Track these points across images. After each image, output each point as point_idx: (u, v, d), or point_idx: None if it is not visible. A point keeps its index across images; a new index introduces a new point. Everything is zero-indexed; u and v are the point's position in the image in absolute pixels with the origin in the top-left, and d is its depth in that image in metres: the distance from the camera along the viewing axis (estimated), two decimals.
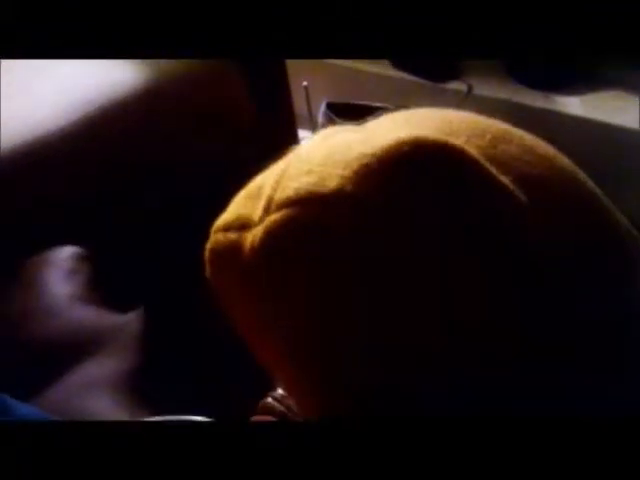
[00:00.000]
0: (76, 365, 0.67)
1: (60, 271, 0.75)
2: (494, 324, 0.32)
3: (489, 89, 1.30)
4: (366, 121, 0.41)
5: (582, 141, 1.19)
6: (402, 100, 1.30)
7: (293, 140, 1.17)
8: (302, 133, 1.25)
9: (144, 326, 0.72)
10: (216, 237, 0.38)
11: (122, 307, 0.74)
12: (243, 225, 0.36)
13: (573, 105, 1.25)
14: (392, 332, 0.32)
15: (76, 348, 0.68)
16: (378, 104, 1.24)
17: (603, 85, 1.26)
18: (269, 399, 0.48)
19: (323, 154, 0.35)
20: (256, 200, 0.36)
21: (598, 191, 0.39)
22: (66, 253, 0.77)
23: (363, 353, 0.33)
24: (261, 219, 0.35)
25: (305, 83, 1.16)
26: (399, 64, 1.39)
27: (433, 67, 1.37)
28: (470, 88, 1.29)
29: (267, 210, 0.35)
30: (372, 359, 0.33)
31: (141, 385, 0.68)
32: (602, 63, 1.28)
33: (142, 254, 0.83)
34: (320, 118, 1.25)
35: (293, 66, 1.27)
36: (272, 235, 0.34)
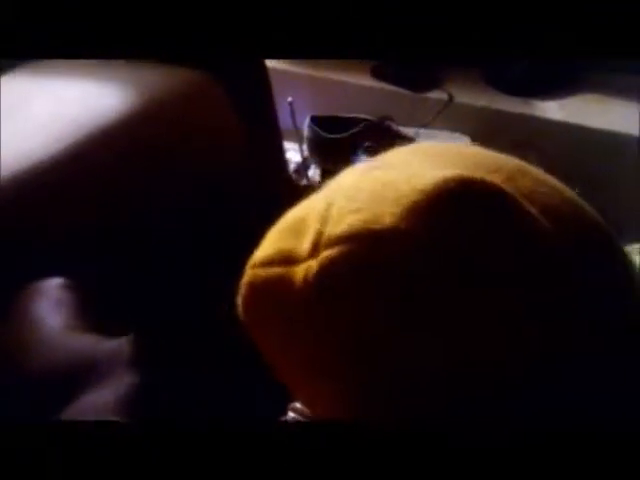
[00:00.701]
0: (75, 396, 0.67)
1: (50, 302, 0.75)
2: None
3: (469, 97, 1.32)
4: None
5: (562, 145, 1.22)
6: (384, 110, 1.32)
7: (279, 154, 1.18)
8: (288, 145, 1.27)
9: (138, 350, 0.72)
10: (255, 272, 0.38)
11: (114, 333, 0.74)
12: (288, 260, 0.37)
13: (552, 109, 1.28)
14: (450, 363, 0.34)
15: (74, 378, 0.68)
16: (361, 116, 1.26)
17: (581, 89, 1.29)
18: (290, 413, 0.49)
19: (369, 192, 0.37)
20: (299, 235, 0.37)
21: (596, 213, 0.42)
22: (54, 283, 0.76)
23: (412, 386, 0.34)
24: (311, 254, 0.36)
25: (290, 99, 1.18)
26: (379, 74, 1.41)
27: (413, 77, 1.40)
28: (450, 97, 1.31)
29: (317, 245, 0.36)
30: (419, 389, 0.34)
31: (141, 409, 0.68)
32: (580, 66, 1.31)
33: (132, 279, 0.83)
34: (305, 132, 1.27)
35: (277, 81, 1.28)
36: (328, 270, 0.35)
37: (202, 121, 1.02)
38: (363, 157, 1.17)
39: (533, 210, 0.36)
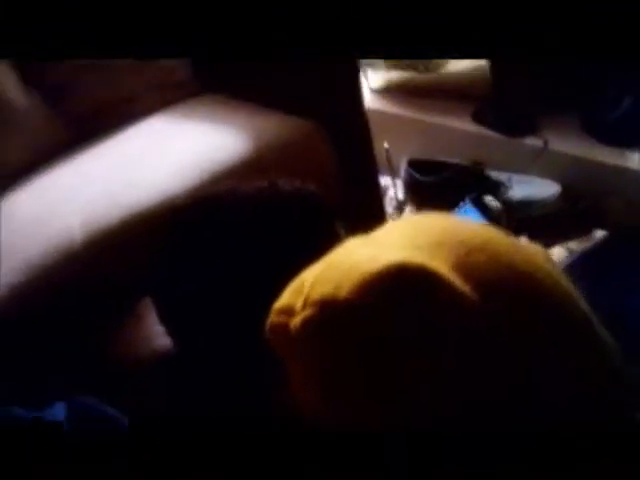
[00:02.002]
0: None
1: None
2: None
3: (564, 144, 1.34)
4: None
5: None
6: (480, 155, 1.38)
7: (376, 195, 1.27)
8: (384, 180, 1.35)
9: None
10: (272, 316, 0.53)
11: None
12: (289, 312, 0.51)
13: None
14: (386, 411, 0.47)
15: None
16: (455, 161, 1.33)
17: None
18: None
19: (345, 266, 0.49)
20: (299, 294, 0.51)
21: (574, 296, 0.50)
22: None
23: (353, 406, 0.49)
24: (299, 311, 0.50)
25: (386, 145, 1.26)
26: (479, 119, 1.47)
27: (512, 122, 1.44)
28: (546, 143, 1.34)
29: (304, 305, 0.50)
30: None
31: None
32: None
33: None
34: (402, 174, 1.35)
35: (375, 123, 1.37)
36: (304, 326, 0.49)
37: (306, 164, 1.13)
38: (469, 207, 1.23)
39: (465, 287, 0.46)
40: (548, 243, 1.23)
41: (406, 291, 0.46)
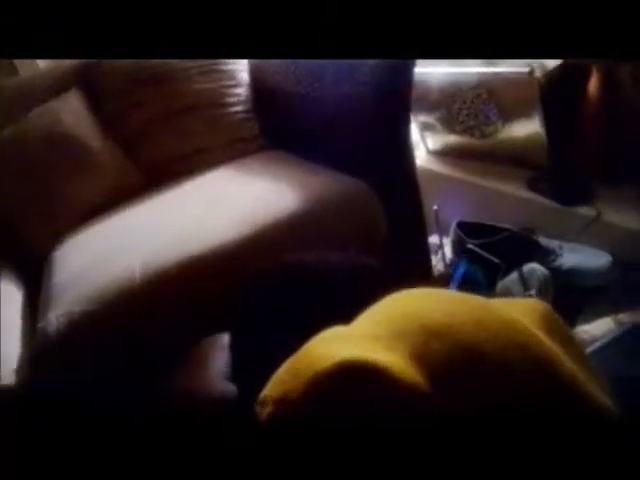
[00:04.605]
0: None
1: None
2: None
3: (617, 216, 1.34)
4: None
5: None
6: (531, 222, 1.39)
7: (424, 257, 1.30)
8: (432, 239, 1.37)
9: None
10: (256, 404, 0.58)
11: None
12: (262, 405, 0.56)
13: None
14: None
15: None
16: (505, 226, 1.35)
17: None
18: None
19: (303, 364, 0.55)
20: (270, 388, 0.57)
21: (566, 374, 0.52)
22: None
23: None
24: (265, 406, 0.56)
25: (435, 207, 1.30)
26: (534, 186, 1.48)
27: (566, 191, 1.44)
28: (598, 215, 1.34)
29: (267, 401, 0.55)
30: None
31: None
32: None
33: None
34: (451, 235, 1.38)
35: (430, 183, 1.40)
36: (264, 422, 0.54)
37: (356, 222, 1.17)
38: (464, 263, 1.23)
39: (418, 377, 0.50)
40: (597, 314, 1.22)
41: (350, 388, 0.51)
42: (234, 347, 0.86)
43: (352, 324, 0.58)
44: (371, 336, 0.53)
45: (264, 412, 0.55)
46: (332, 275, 0.82)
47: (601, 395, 0.50)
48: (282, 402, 0.54)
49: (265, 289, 0.84)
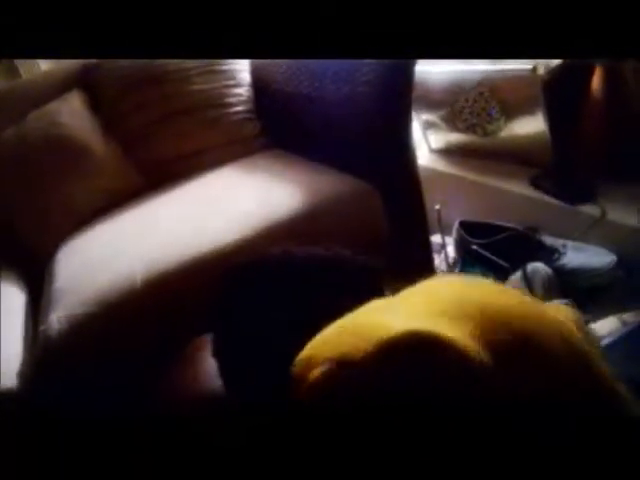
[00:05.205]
0: None
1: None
2: None
3: (621, 214, 1.32)
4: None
5: None
6: (535, 220, 1.38)
7: (426, 255, 1.29)
8: (435, 238, 1.37)
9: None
10: (295, 366, 0.58)
11: None
12: (310, 364, 0.56)
13: None
14: None
15: None
16: (509, 224, 1.34)
17: None
18: None
19: (364, 329, 0.55)
20: (319, 349, 0.57)
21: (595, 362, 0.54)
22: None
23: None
24: (318, 365, 0.55)
25: (437, 206, 1.29)
26: (536, 184, 1.47)
27: (570, 189, 1.43)
28: (603, 213, 1.33)
29: (323, 360, 0.55)
30: None
31: None
32: None
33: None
34: (454, 234, 1.37)
35: (433, 182, 1.39)
36: (322, 379, 0.54)
37: (356, 222, 1.17)
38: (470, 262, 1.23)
39: (475, 350, 0.50)
40: (602, 313, 1.22)
41: (418, 357, 0.51)
42: (216, 347, 0.84)
43: (393, 302, 0.59)
44: (430, 313, 0.55)
45: (317, 372, 0.54)
46: (313, 269, 0.81)
47: (628, 395, 0.53)
48: (341, 362, 0.53)
49: (247, 281, 0.83)
